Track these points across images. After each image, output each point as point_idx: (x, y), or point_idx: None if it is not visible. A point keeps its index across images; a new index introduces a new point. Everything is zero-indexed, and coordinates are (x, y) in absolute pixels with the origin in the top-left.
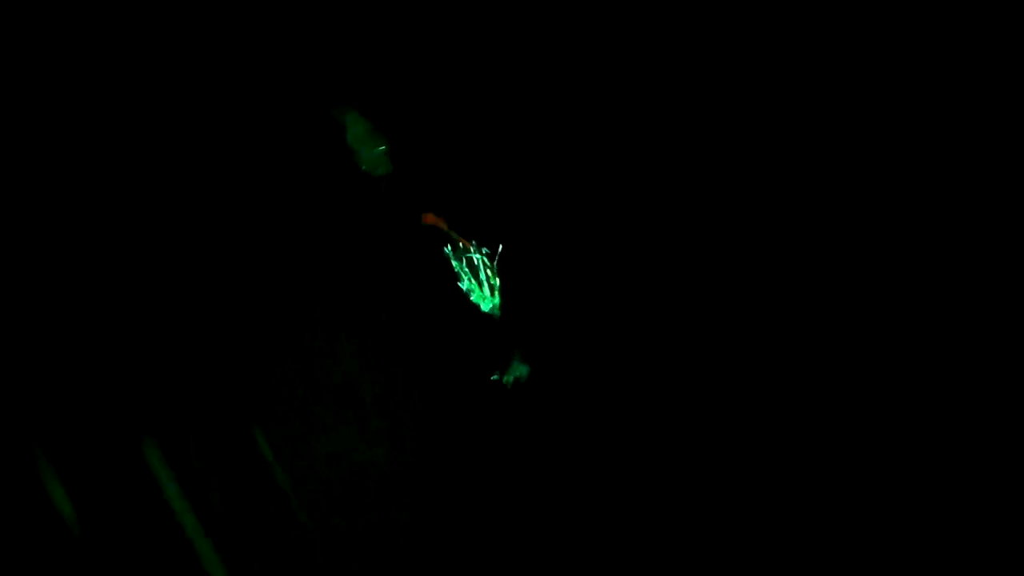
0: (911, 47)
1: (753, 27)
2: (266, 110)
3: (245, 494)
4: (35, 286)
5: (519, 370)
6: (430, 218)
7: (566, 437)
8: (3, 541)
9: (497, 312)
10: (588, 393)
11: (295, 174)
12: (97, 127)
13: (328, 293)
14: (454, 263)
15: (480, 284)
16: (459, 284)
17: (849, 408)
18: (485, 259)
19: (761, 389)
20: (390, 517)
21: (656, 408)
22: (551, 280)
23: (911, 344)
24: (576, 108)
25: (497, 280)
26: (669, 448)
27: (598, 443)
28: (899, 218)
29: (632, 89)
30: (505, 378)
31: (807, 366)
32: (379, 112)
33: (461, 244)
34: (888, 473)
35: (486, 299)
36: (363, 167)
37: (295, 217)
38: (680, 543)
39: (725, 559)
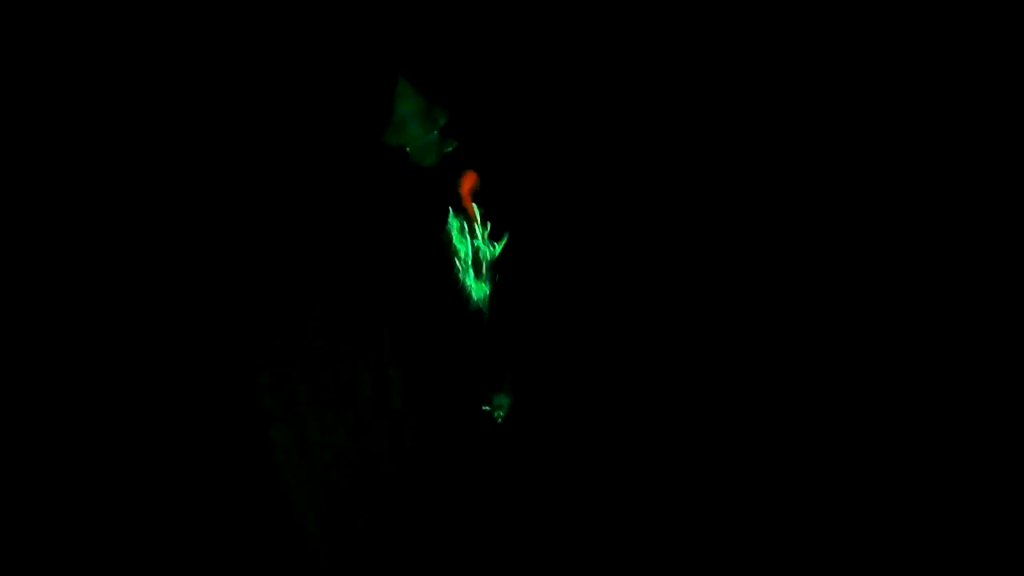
0: (911, 47)
1: (753, 27)
2: (270, 103)
3: (246, 494)
4: (32, 289)
5: (505, 400)
6: (468, 181)
7: (564, 437)
8: None
9: (486, 305)
10: (585, 392)
11: (297, 173)
12: (105, 121)
13: (328, 293)
14: (457, 253)
15: (479, 276)
16: (458, 279)
17: (849, 408)
18: (489, 252)
19: (764, 400)
20: (390, 517)
21: (653, 408)
22: (549, 281)
23: (911, 344)
24: (587, 113)
25: (496, 275)
26: (667, 447)
27: (596, 443)
28: (899, 218)
29: (639, 92)
30: (495, 412)
31: (806, 368)
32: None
33: (468, 230)
34: (888, 473)
35: (479, 290)
36: (408, 150)
37: (297, 216)
38: (677, 542)
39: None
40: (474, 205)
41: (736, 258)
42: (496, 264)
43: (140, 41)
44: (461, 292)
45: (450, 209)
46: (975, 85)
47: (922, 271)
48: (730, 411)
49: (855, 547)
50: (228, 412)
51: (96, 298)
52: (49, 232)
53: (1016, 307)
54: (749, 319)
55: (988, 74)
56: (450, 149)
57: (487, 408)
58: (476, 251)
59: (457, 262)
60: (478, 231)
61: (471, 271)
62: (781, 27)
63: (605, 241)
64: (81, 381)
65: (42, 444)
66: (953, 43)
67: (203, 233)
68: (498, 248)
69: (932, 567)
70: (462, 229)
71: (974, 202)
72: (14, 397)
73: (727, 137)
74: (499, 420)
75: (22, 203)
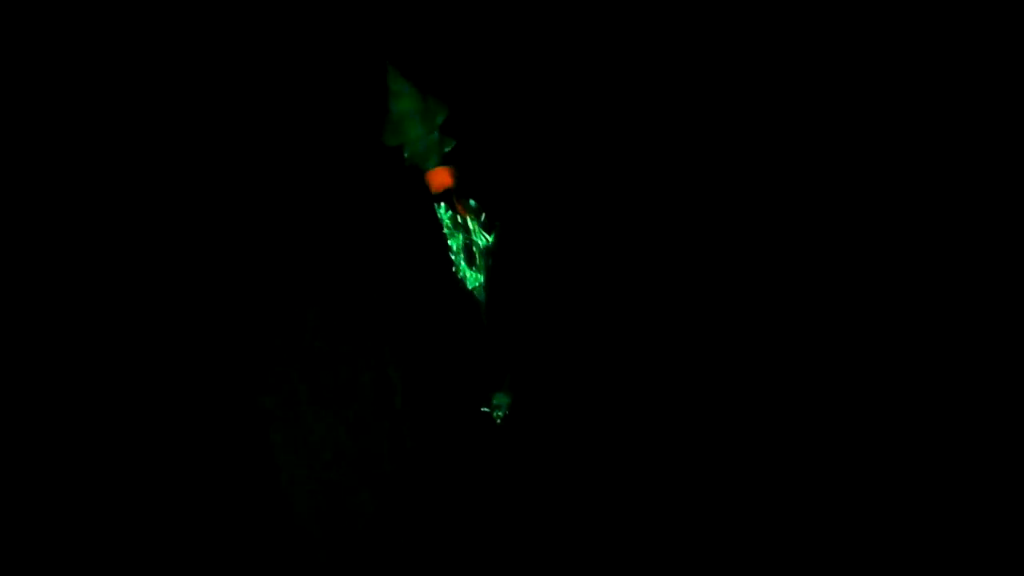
0: (911, 47)
1: (753, 27)
2: (268, 103)
3: (246, 494)
4: (32, 289)
5: (504, 400)
6: (439, 177)
7: (563, 437)
8: None
9: (481, 295)
10: (584, 391)
11: (295, 173)
12: (103, 121)
13: (328, 293)
14: (451, 245)
15: (472, 267)
16: (457, 278)
17: (849, 409)
18: (482, 242)
19: (765, 396)
20: (390, 517)
21: (653, 406)
22: (545, 276)
23: (911, 344)
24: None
25: (492, 270)
26: (667, 445)
27: (595, 442)
28: (899, 218)
29: (640, 91)
30: (495, 413)
31: (807, 373)
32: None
33: (460, 220)
34: (888, 473)
35: (474, 280)
36: (406, 154)
37: (296, 216)
38: (677, 542)
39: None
40: (459, 200)
41: (732, 244)
42: (491, 258)
43: (138, 40)
44: (460, 291)
45: (443, 205)
46: (975, 85)
47: (922, 271)
48: (730, 404)
49: (855, 547)
50: (228, 412)
51: (96, 299)
52: (48, 232)
53: (1016, 307)
54: (748, 307)
55: (988, 74)
56: (449, 149)
57: (487, 408)
58: (471, 245)
59: (454, 259)
60: (471, 225)
61: (467, 266)
62: (781, 27)
63: (601, 235)
64: (81, 381)
65: (42, 444)
66: (953, 43)
67: (203, 233)
68: (491, 239)
69: (932, 567)
70: (455, 223)
71: (974, 202)
72: (14, 397)
73: (718, 124)
74: (498, 420)
75: (21, 203)
